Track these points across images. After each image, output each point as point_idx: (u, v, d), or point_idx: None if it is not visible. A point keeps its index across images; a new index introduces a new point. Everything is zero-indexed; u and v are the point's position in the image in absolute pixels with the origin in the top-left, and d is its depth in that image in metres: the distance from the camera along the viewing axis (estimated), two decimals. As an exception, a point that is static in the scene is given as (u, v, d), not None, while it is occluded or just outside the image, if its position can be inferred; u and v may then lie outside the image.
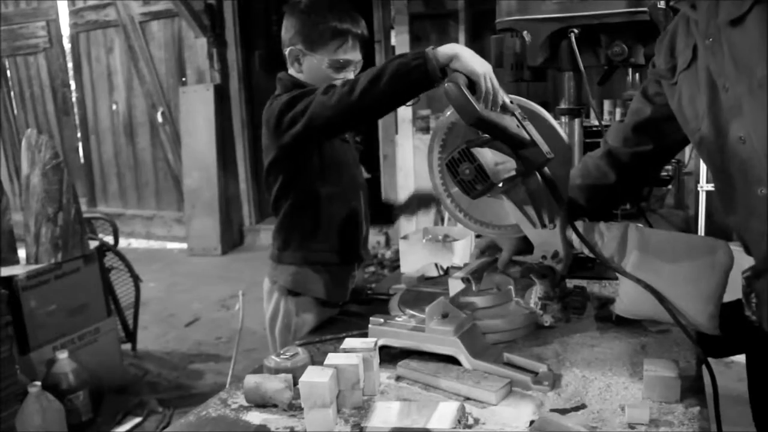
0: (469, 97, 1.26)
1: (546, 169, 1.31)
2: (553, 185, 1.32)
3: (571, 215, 1.45)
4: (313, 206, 1.74)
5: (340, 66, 1.69)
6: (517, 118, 1.31)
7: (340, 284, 1.80)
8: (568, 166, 1.42)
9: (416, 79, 1.38)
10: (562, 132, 1.40)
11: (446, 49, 1.36)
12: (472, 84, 1.31)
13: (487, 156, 1.27)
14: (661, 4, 1.74)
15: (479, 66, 1.33)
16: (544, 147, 1.29)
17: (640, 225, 1.39)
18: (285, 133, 1.59)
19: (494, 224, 1.53)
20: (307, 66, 1.71)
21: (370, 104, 1.45)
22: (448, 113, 1.46)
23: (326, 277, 1.76)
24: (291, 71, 1.75)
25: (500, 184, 1.29)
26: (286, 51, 1.73)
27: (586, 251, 1.40)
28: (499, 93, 1.35)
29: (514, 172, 1.30)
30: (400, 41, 5.61)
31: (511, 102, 1.34)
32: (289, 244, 1.77)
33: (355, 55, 1.72)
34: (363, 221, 1.85)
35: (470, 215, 1.54)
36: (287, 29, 1.73)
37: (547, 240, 1.40)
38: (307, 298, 1.75)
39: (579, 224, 1.41)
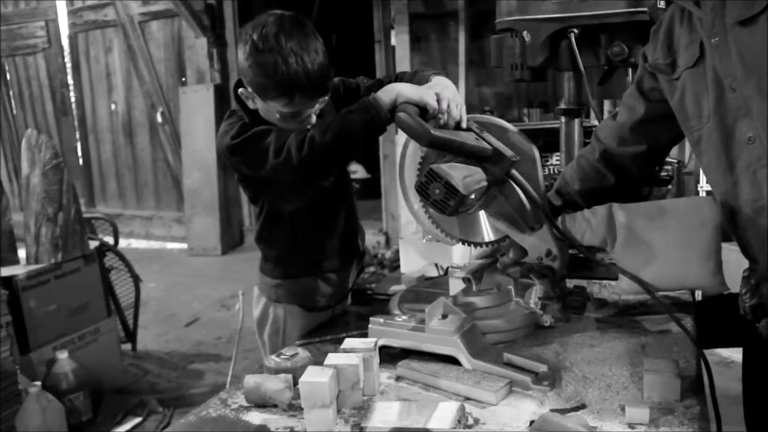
0: (420, 121, 1.31)
1: (515, 171, 1.32)
2: (525, 187, 1.33)
3: (555, 212, 1.46)
4: (286, 222, 1.66)
5: (292, 117, 1.52)
6: (475, 132, 1.33)
7: (332, 289, 1.72)
8: (537, 164, 1.44)
9: (374, 130, 1.42)
10: (523, 135, 1.43)
11: (386, 94, 1.39)
12: (423, 111, 1.35)
13: (455, 172, 1.29)
14: (661, 4, 1.74)
15: (420, 91, 1.39)
16: (508, 152, 1.32)
17: (623, 203, 1.39)
18: (238, 168, 1.59)
19: (486, 241, 1.53)
20: (260, 106, 1.55)
21: (332, 164, 1.51)
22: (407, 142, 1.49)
23: (313, 286, 1.69)
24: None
25: (472, 196, 1.30)
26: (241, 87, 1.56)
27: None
28: (456, 102, 1.40)
29: (485, 183, 1.31)
30: (400, 41, 5.60)
31: (467, 120, 1.38)
32: (267, 258, 1.72)
33: (310, 105, 1.52)
34: (351, 223, 1.76)
35: (452, 236, 1.54)
36: (240, 60, 1.52)
37: (538, 242, 1.41)
38: (294, 305, 1.70)
39: (563, 218, 1.42)
